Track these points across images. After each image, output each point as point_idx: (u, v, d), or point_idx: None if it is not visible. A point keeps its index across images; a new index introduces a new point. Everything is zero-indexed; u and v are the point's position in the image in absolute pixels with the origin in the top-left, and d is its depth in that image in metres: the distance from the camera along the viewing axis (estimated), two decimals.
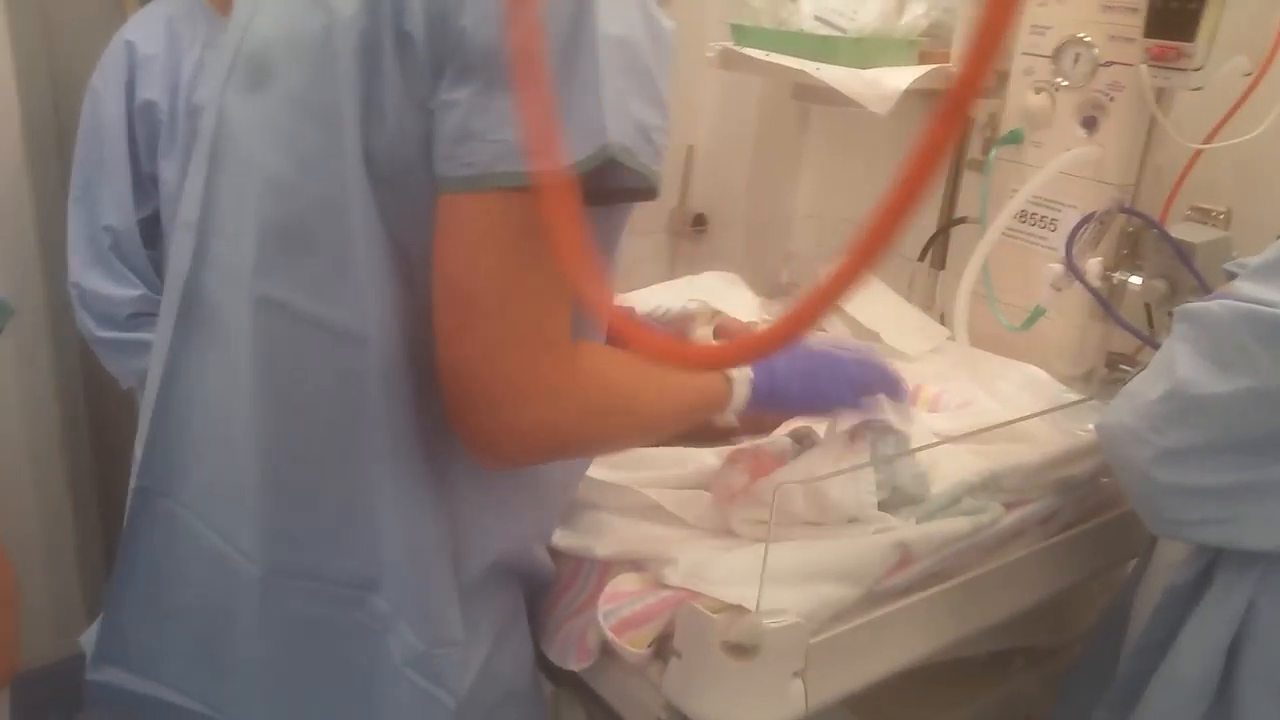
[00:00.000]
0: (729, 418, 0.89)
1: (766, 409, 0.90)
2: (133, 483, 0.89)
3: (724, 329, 1.14)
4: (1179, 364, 0.85)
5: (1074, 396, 1.18)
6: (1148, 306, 1.28)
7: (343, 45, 0.71)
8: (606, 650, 0.87)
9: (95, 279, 1.51)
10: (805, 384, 0.90)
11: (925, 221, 1.53)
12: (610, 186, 0.71)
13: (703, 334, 1.34)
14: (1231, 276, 0.89)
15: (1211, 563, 0.89)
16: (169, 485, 0.87)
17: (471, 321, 0.71)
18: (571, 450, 0.84)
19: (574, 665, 0.91)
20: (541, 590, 0.95)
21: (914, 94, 1.28)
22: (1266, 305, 0.80)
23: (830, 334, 1.40)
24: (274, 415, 0.80)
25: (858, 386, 0.92)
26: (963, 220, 1.47)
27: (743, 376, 0.87)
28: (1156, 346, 1.24)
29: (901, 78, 1.24)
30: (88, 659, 0.92)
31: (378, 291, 0.74)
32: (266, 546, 0.82)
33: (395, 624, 0.81)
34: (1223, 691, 0.86)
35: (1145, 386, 0.88)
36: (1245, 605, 0.85)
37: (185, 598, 0.87)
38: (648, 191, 0.73)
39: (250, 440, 0.80)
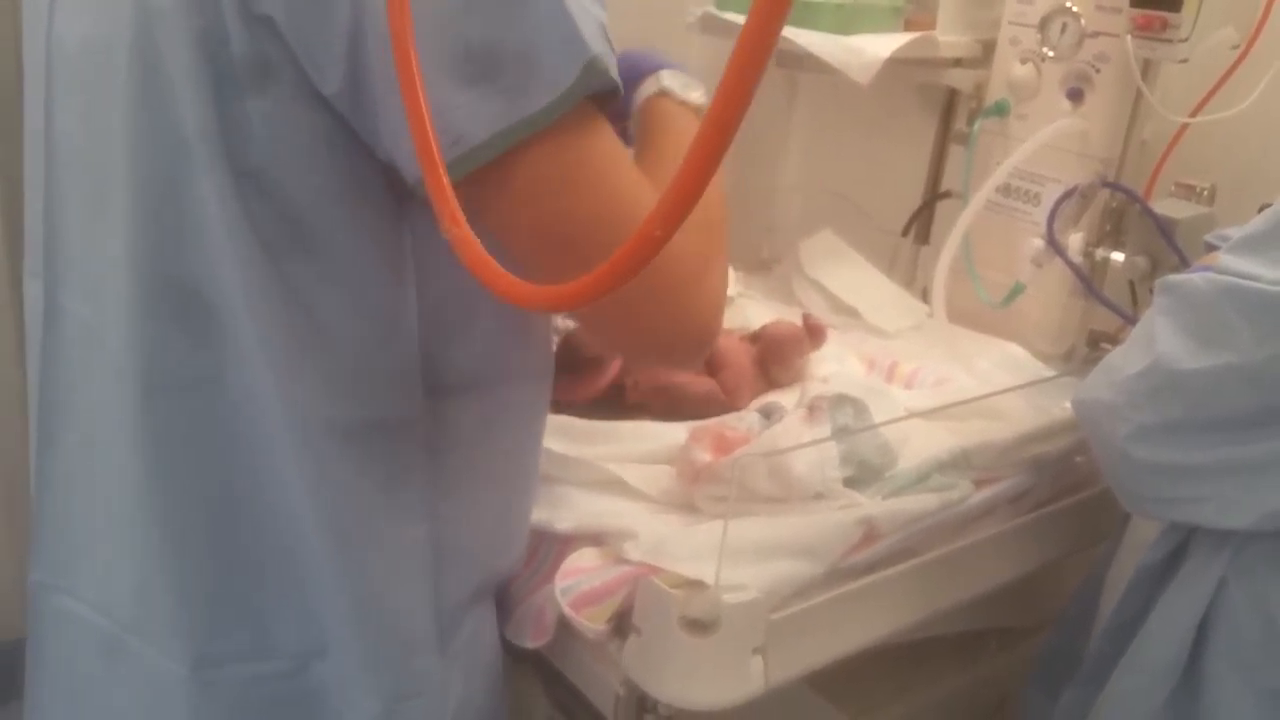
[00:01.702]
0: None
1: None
2: (29, 574, 0.80)
3: (771, 333, 1.14)
4: (1159, 338, 0.83)
5: (1062, 379, 1.16)
6: (1131, 284, 1.26)
7: (168, 48, 0.61)
8: (565, 627, 0.86)
9: None
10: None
11: (909, 195, 1.51)
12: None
13: None
14: (1211, 248, 0.87)
15: (1184, 542, 0.88)
16: (68, 580, 0.78)
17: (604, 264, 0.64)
18: (725, 272, 0.76)
19: (530, 643, 0.89)
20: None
21: (898, 63, 1.25)
22: (1250, 279, 0.78)
23: (808, 309, 1.38)
24: (172, 497, 0.71)
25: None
26: (947, 195, 1.45)
27: (668, 79, 0.81)
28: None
29: (885, 45, 1.21)
30: None
31: (272, 347, 0.66)
32: (186, 637, 0.73)
33: (344, 689, 0.74)
34: (1191, 670, 0.85)
35: (1124, 361, 0.86)
36: (1215, 584, 0.83)
37: (102, 704, 0.78)
38: (613, 94, 0.64)
39: (150, 524, 0.71)
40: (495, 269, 0.50)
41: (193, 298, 0.66)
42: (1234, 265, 0.80)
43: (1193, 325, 0.81)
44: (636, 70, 0.82)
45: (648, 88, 0.81)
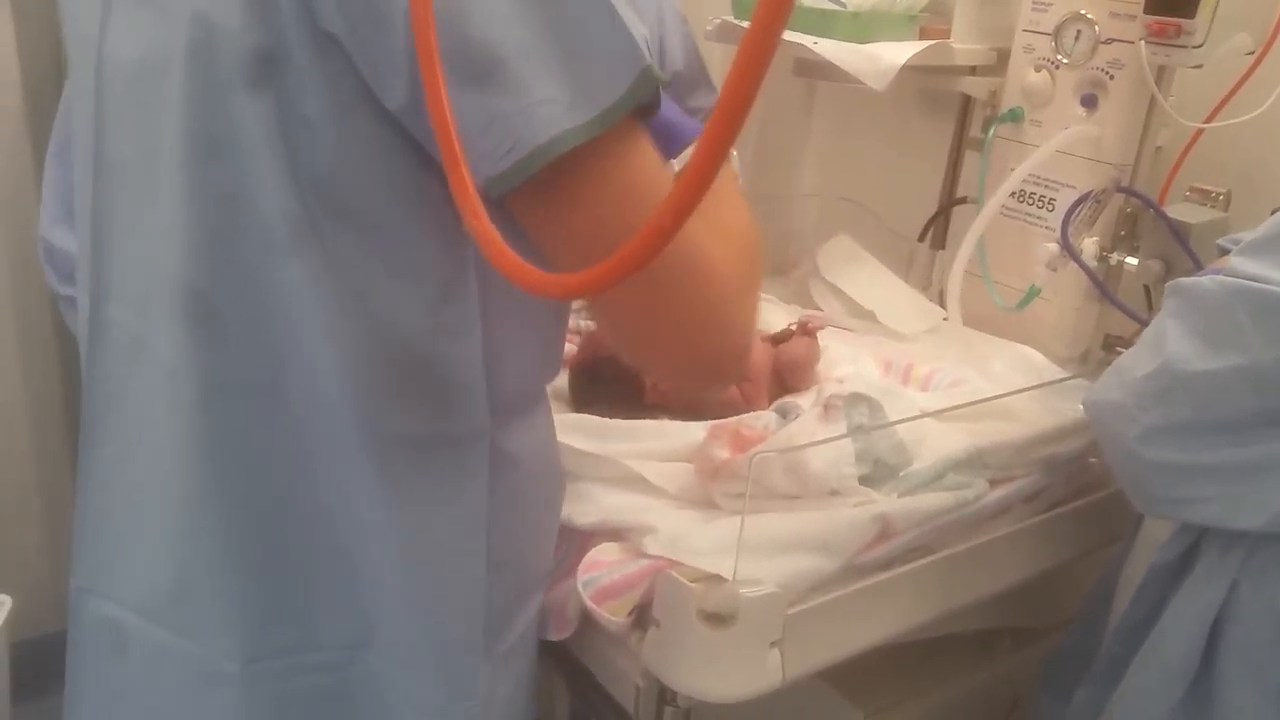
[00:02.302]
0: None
1: None
2: (71, 581, 0.81)
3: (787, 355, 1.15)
4: (1169, 340, 0.84)
5: (1074, 382, 1.17)
6: (1147, 289, 1.27)
7: (228, 64, 0.61)
8: (586, 620, 0.88)
9: (61, 235, 1.46)
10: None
11: (925, 201, 1.52)
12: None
13: None
14: (1224, 252, 0.88)
15: (1196, 542, 0.88)
16: (106, 584, 0.78)
17: (631, 304, 0.65)
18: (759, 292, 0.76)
19: (554, 635, 0.91)
20: None
21: (915, 70, 1.27)
22: (1261, 281, 0.78)
23: (825, 313, 1.40)
24: (222, 500, 0.72)
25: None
26: (963, 200, 1.46)
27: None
28: None
29: (900, 53, 1.23)
30: None
31: (345, 360, 0.67)
32: (240, 635, 0.74)
33: (396, 680, 0.76)
34: (1203, 672, 0.85)
35: (1134, 362, 0.87)
36: (1228, 586, 0.84)
37: (145, 706, 0.79)
38: (652, 108, 0.63)
39: (198, 530, 0.73)
40: (516, 260, 0.51)
41: (252, 306, 0.67)
42: (1244, 267, 0.80)
43: (1202, 327, 0.82)
44: (684, 136, 0.81)
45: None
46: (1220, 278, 0.81)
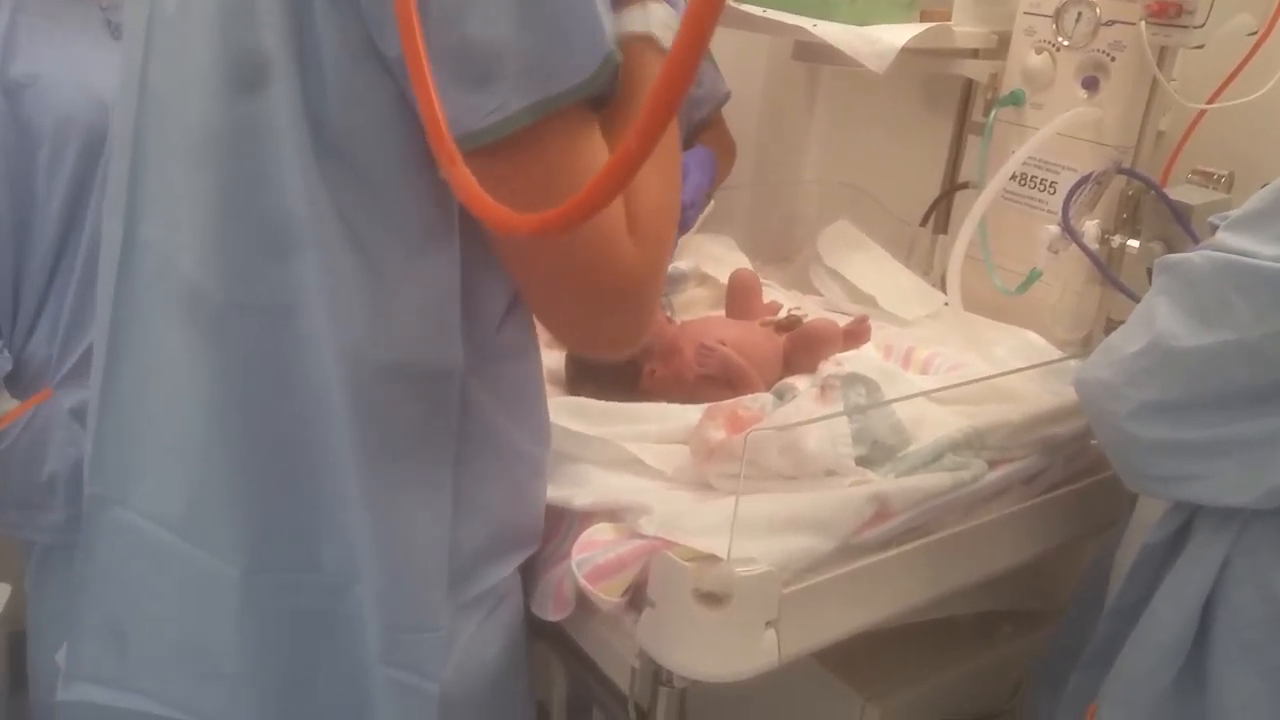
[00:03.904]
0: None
1: None
2: (86, 488, 0.86)
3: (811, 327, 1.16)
4: (1159, 317, 0.83)
5: (1074, 363, 1.17)
6: (1149, 271, 1.26)
7: (261, 6, 0.67)
8: (583, 601, 0.88)
9: None
10: None
11: (927, 186, 1.52)
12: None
13: (692, 295, 1.34)
14: (1215, 229, 0.87)
15: (1188, 521, 0.88)
16: (123, 492, 0.84)
17: (550, 256, 0.70)
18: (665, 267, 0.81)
19: (552, 615, 0.91)
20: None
21: (916, 54, 1.26)
22: (1249, 256, 0.78)
23: (826, 298, 1.40)
24: (235, 416, 0.77)
25: None
26: (964, 185, 1.46)
27: (659, 24, 0.77)
28: None
29: (900, 35, 1.22)
30: (60, 678, 0.89)
31: (334, 285, 0.72)
32: (243, 545, 0.79)
33: (371, 607, 0.80)
34: (1196, 652, 0.85)
35: (1124, 340, 0.87)
36: (1220, 563, 0.84)
37: (156, 608, 0.84)
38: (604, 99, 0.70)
39: (211, 443, 0.78)
40: (489, 203, 0.56)
41: (270, 230, 0.72)
42: (1231, 242, 0.80)
43: (1191, 303, 0.81)
44: None
45: (632, 18, 0.74)
46: (1208, 253, 0.81)
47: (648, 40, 0.74)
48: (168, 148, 0.77)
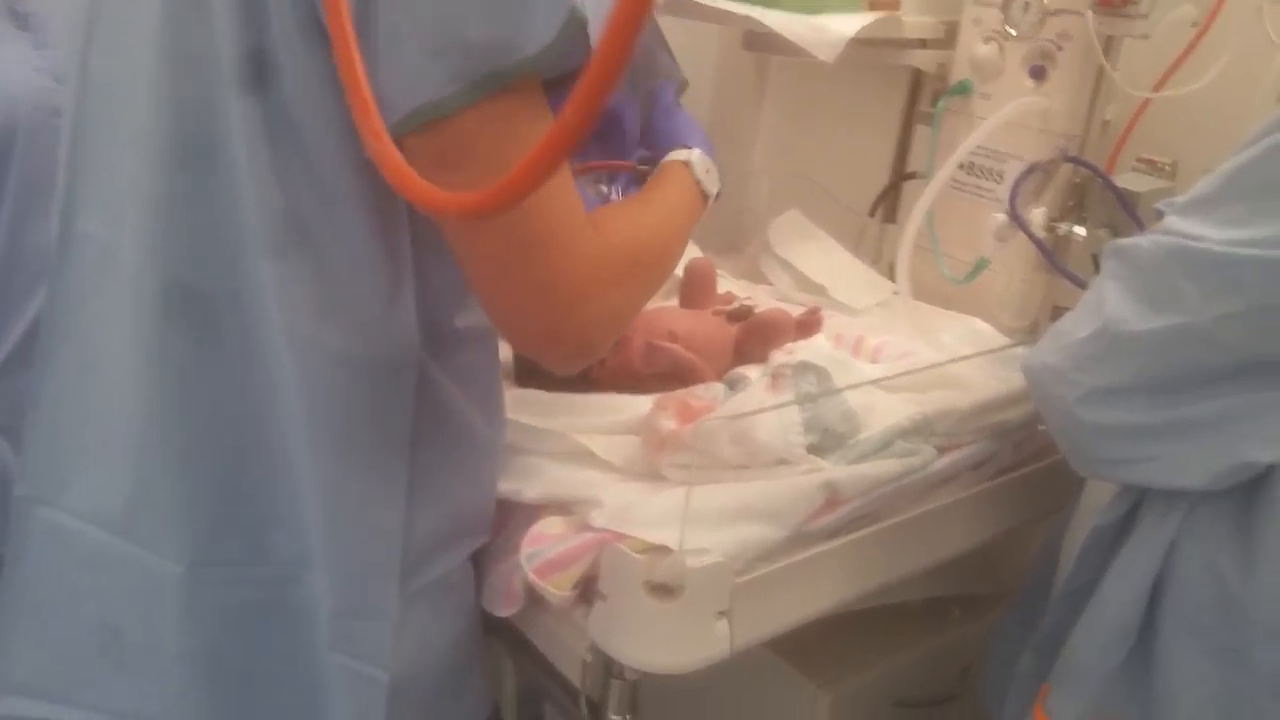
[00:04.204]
0: (712, 192, 0.91)
1: None
2: (15, 491, 0.84)
3: (763, 318, 1.15)
4: (1108, 302, 0.83)
5: (1021, 350, 1.18)
6: (1095, 258, 1.27)
7: None
8: (533, 596, 0.86)
9: None
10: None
11: (877, 176, 1.52)
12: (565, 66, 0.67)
13: None
14: (1162, 216, 0.88)
15: (1137, 504, 0.89)
16: (55, 494, 0.82)
17: (494, 247, 0.69)
18: (628, 318, 0.81)
19: (502, 611, 0.90)
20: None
21: (865, 44, 1.26)
22: (1196, 240, 0.78)
23: (777, 288, 1.39)
24: (181, 407, 0.76)
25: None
26: (913, 175, 1.46)
27: (699, 157, 0.89)
28: None
29: (849, 25, 1.22)
30: None
31: (283, 273, 0.71)
32: (187, 540, 0.78)
33: (325, 606, 0.78)
34: (1145, 634, 0.86)
35: (1073, 325, 0.87)
36: (1168, 545, 0.84)
37: (88, 612, 0.82)
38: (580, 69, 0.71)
39: (154, 436, 0.76)
40: (416, 180, 0.55)
41: (215, 214, 0.71)
42: (1180, 226, 0.80)
43: (1140, 288, 0.82)
44: (680, 137, 0.94)
45: (679, 153, 0.90)
46: (1156, 238, 0.81)
47: (684, 165, 0.88)
48: (111, 137, 0.75)
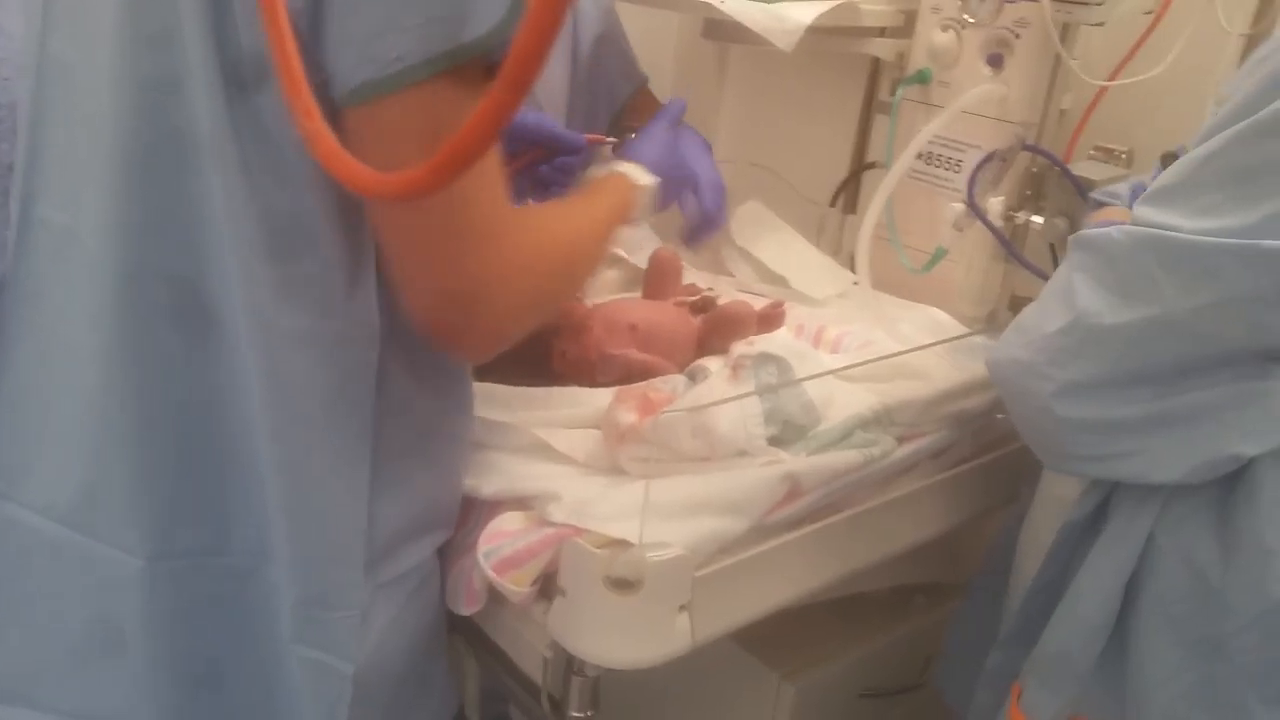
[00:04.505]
0: (640, 216, 0.94)
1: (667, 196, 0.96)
2: None
3: (726, 310, 1.14)
4: (1078, 294, 0.82)
5: (979, 339, 1.18)
6: (1052, 247, 1.28)
7: None
8: (494, 592, 0.86)
9: None
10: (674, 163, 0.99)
11: (837, 166, 1.52)
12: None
13: (605, 277, 1.32)
14: (1100, 205, 0.87)
15: (1107, 498, 0.88)
16: (10, 487, 0.81)
17: (418, 232, 0.68)
18: (541, 316, 0.82)
19: (465, 609, 0.89)
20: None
21: (824, 33, 1.26)
22: (1168, 229, 0.77)
23: (737, 279, 1.39)
24: (141, 394, 0.75)
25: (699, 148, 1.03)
26: (872, 165, 1.46)
27: (647, 182, 0.91)
28: None
29: (807, 12, 1.21)
30: None
31: (244, 253, 0.70)
32: (146, 532, 0.77)
33: (288, 596, 0.78)
34: (1120, 629, 0.85)
35: (1041, 319, 0.86)
36: (1144, 539, 0.83)
37: (49, 610, 0.81)
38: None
39: (112, 425, 0.75)
40: (348, 160, 0.55)
41: (177, 199, 0.71)
42: (1150, 216, 0.79)
43: (1111, 280, 0.80)
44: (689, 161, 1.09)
45: (628, 168, 0.97)
46: (1127, 229, 0.80)
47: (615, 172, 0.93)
48: (71, 120, 0.74)
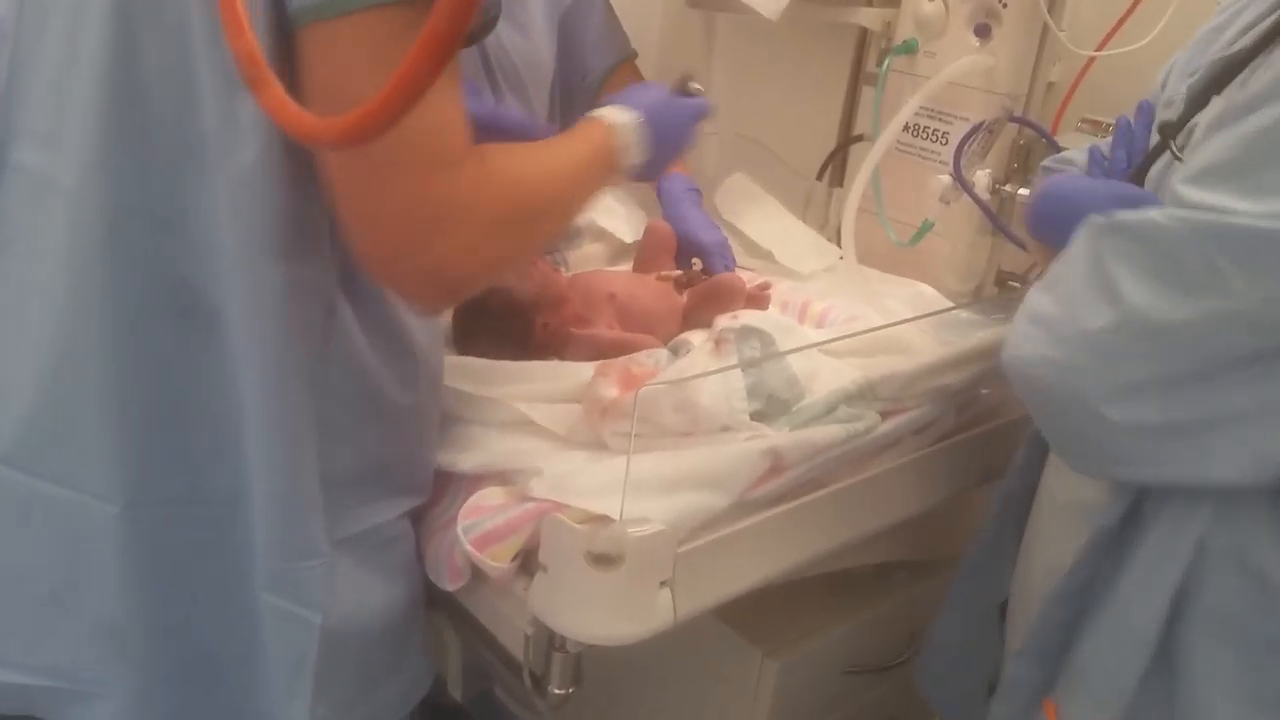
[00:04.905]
0: (630, 162, 0.84)
1: (656, 153, 0.86)
2: None
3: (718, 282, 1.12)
4: (1123, 286, 0.73)
5: (964, 314, 1.17)
6: None
7: None
8: (477, 569, 0.85)
9: None
10: (665, 120, 0.88)
11: (824, 139, 1.50)
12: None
13: (589, 250, 1.31)
14: (1049, 172, 0.82)
15: (1137, 502, 0.81)
16: None
17: (365, 162, 0.65)
18: (500, 265, 0.76)
19: (449, 585, 0.88)
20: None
21: (810, 2, 1.25)
22: (1227, 214, 0.69)
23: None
24: (119, 338, 0.74)
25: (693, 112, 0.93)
26: (859, 138, 1.45)
27: (627, 119, 0.83)
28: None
29: None
30: None
31: (230, 188, 0.70)
32: (122, 479, 0.76)
33: (259, 544, 0.78)
34: (1170, 638, 0.80)
35: (1075, 312, 0.77)
36: (1194, 545, 0.78)
37: (20, 561, 0.80)
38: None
39: (89, 372, 0.74)
40: (293, 109, 0.56)
41: (166, 135, 0.70)
42: (1201, 198, 0.71)
43: (1166, 270, 0.72)
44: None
45: (607, 111, 0.85)
46: (1179, 214, 0.72)
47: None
48: (51, 64, 0.73)
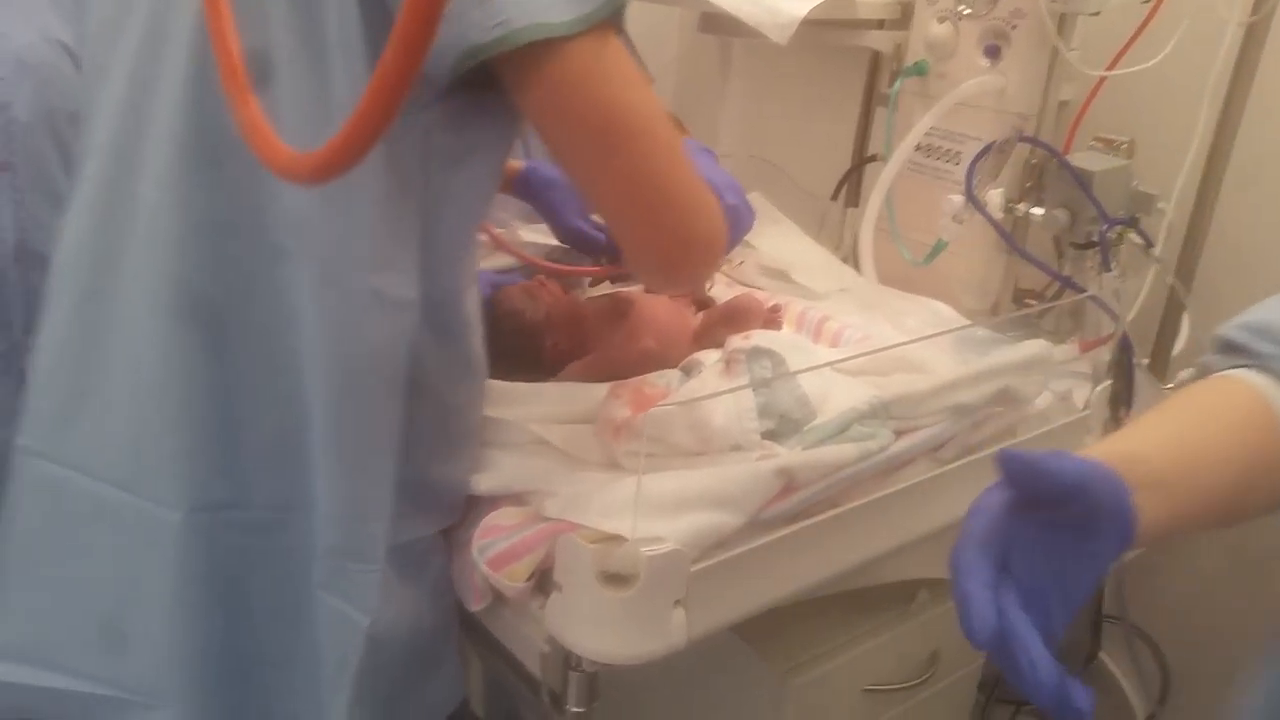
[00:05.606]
0: None
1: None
2: (16, 439, 0.83)
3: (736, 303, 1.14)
4: None
5: (980, 332, 1.17)
6: (1057, 241, 1.28)
7: None
8: (499, 590, 0.86)
9: None
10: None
11: (837, 160, 1.52)
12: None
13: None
14: (1232, 349, 0.68)
15: None
16: (57, 446, 0.81)
17: (643, 169, 0.73)
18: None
19: (474, 606, 0.89)
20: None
21: (822, 26, 1.26)
22: None
23: (741, 274, 1.39)
24: (204, 350, 0.76)
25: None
26: (874, 158, 1.46)
27: None
28: (1061, 279, 1.24)
29: (802, 5, 1.21)
30: None
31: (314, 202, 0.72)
32: (185, 485, 0.78)
33: (320, 546, 0.79)
34: None
35: None
36: None
37: (83, 569, 0.82)
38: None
39: (171, 384, 0.76)
40: (272, 140, 0.58)
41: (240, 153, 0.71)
42: None
43: None
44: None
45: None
46: None
47: None
48: (132, 68, 0.75)
